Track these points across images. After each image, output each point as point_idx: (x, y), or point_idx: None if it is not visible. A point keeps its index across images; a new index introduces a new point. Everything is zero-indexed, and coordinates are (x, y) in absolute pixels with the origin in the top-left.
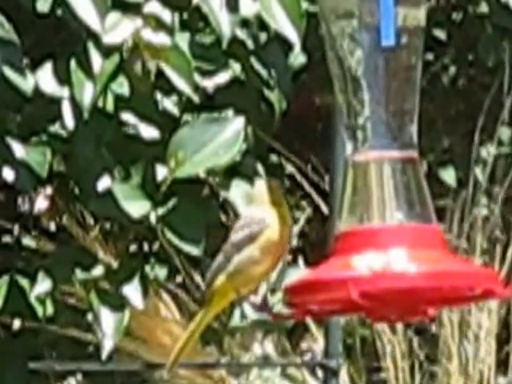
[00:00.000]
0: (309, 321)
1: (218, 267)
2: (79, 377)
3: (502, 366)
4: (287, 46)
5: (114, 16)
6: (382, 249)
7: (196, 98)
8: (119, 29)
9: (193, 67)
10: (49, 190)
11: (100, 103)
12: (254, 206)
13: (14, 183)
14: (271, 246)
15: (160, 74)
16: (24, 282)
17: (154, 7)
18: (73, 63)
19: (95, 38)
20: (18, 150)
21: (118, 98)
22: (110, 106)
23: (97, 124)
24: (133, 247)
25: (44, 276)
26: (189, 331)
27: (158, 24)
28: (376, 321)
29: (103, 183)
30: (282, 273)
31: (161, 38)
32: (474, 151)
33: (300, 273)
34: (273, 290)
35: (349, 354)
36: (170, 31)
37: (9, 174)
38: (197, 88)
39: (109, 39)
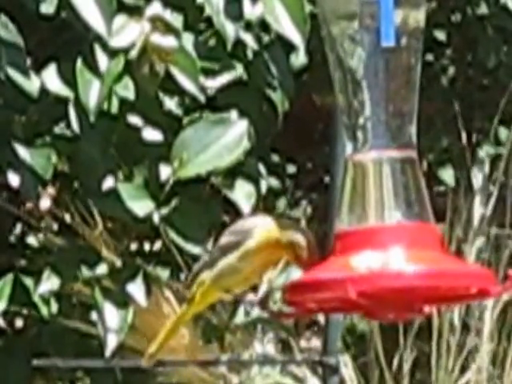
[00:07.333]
0: (319, 317)
1: (202, 266)
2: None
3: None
4: (289, 47)
5: (120, 19)
6: (381, 248)
7: (202, 99)
8: (126, 32)
9: (198, 68)
10: (51, 189)
11: (105, 105)
12: (260, 215)
13: (19, 188)
14: (251, 257)
15: (165, 75)
16: (28, 280)
17: (157, 8)
18: (79, 64)
19: (101, 40)
20: (23, 152)
21: (123, 100)
22: (114, 108)
23: (103, 126)
24: (134, 246)
25: (50, 274)
26: (171, 324)
27: (166, 26)
28: (373, 319)
29: (107, 183)
30: (283, 271)
31: (169, 41)
32: (470, 151)
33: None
34: (275, 289)
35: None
36: (177, 33)
37: (14, 179)
38: (202, 89)
39: (116, 42)
